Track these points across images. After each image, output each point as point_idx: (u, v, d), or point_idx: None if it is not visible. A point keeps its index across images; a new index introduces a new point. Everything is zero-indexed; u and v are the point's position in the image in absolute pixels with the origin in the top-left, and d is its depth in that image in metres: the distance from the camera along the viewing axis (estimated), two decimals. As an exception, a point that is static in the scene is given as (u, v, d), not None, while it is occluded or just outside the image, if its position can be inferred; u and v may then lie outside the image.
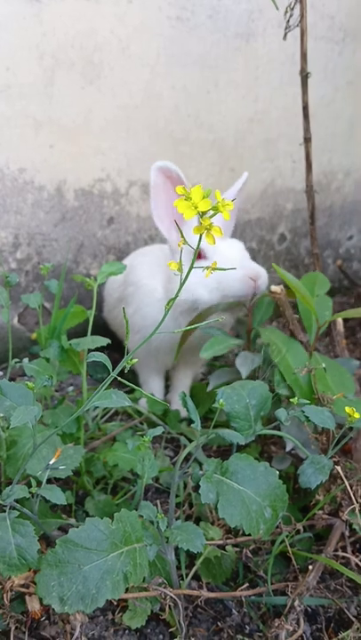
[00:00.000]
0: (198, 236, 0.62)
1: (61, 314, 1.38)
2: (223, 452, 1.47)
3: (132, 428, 1.45)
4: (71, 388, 1.72)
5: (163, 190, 1.39)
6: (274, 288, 1.25)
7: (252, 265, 1.38)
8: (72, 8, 1.65)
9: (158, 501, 1.27)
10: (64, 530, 1.14)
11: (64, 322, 1.36)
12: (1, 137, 1.66)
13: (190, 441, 1.44)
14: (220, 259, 1.33)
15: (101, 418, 1.43)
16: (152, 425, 1.48)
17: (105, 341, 1.14)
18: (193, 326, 0.82)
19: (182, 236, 0.62)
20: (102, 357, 0.74)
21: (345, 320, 1.69)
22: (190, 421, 1.08)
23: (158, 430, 1.00)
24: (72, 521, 1.14)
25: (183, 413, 1.55)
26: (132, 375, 1.66)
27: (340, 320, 1.58)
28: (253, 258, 1.77)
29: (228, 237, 1.47)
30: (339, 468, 1.04)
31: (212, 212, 0.58)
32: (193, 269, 0.65)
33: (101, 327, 1.49)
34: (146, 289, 1.46)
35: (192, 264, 0.65)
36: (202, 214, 0.58)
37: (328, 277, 1.50)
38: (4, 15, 1.56)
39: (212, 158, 2.04)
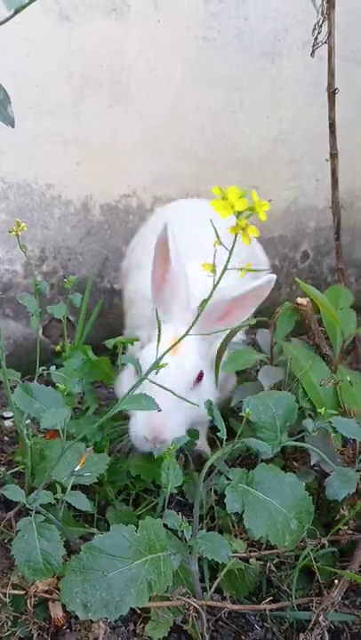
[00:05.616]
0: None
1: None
2: (242, 465, 1.45)
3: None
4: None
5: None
6: (300, 300, 1.25)
7: (152, 416, 1.06)
8: (101, 28, 1.69)
9: (180, 513, 1.26)
10: (86, 539, 1.13)
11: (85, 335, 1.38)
12: (31, 153, 1.69)
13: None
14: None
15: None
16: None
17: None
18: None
19: (217, 236, 0.63)
20: (132, 360, 0.75)
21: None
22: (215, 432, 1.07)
23: (183, 439, 1.00)
24: (94, 530, 1.13)
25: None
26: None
27: (363, 336, 1.57)
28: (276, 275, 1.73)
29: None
30: (366, 480, 1.02)
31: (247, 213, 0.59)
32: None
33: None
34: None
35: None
36: (238, 214, 0.58)
37: (349, 296, 1.49)
38: (35, 33, 1.60)
39: (235, 177, 2.06)
